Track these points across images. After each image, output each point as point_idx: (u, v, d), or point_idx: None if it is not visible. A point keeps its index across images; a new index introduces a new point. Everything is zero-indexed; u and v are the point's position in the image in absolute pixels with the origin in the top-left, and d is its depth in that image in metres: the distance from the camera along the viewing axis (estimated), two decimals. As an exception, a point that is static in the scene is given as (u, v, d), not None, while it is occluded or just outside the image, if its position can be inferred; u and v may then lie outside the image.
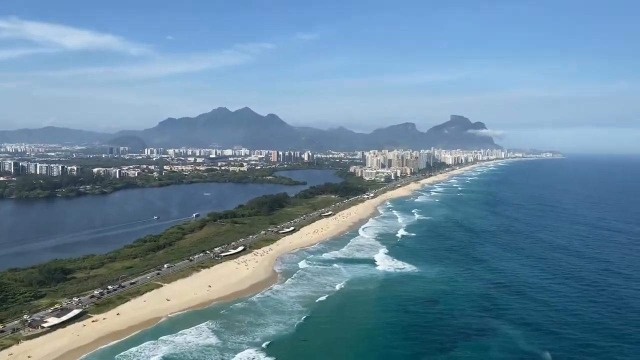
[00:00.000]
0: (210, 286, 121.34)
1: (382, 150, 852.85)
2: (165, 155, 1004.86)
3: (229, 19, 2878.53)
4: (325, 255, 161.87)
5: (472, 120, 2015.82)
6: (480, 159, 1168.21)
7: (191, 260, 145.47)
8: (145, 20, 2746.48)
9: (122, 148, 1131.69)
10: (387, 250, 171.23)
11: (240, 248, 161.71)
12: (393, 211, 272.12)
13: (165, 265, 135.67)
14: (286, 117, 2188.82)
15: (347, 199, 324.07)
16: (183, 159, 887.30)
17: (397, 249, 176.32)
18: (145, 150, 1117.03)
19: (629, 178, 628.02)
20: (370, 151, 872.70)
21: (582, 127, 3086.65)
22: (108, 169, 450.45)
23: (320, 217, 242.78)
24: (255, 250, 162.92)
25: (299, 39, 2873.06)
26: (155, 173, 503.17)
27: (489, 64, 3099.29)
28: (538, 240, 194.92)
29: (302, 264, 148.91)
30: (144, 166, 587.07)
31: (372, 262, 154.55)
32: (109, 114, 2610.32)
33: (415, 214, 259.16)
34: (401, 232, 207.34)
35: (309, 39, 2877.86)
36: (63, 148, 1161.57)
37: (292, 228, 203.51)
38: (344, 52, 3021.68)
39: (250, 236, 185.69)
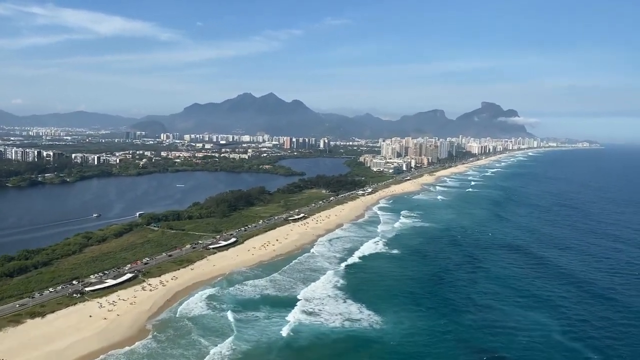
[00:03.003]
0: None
1: (405, 138, 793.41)
2: (179, 141, 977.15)
3: (259, 5, 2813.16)
4: (248, 289, 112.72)
5: (504, 108, 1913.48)
6: (511, 148, 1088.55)
7: (32, 299, 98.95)
8: (176, 5, 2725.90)
9: (138, 133, 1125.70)
10: (342, 281, 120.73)
11: (127, 276, 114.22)
12: (383, 214, 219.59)
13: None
14: (311, 103, 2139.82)
15: (339, 195, 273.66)
16: (194, 144, 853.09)
17: (358, 278, 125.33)
18: (161, 135, 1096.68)
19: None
20: (389, 139, 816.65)
21: (622, 116, 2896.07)
22: (86, 155, 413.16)
23: (286, 221, 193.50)
24: (150, 279, 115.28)
25: (327, 24, 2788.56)
26: (144, 160, 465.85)
27: (522, 52, 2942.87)
28: (559, 269, 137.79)
29: (197, 308, 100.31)
30: (141, 152, 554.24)
31: (308, 304, 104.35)
32: (138, 99, 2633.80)
33: (406, 219, 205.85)
34: (376, 248, 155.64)
35: (337, 24, 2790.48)
36: (87, 132, 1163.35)
37: (232, 240, 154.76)
38: (372, 38, 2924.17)
39: (164, 253, 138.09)
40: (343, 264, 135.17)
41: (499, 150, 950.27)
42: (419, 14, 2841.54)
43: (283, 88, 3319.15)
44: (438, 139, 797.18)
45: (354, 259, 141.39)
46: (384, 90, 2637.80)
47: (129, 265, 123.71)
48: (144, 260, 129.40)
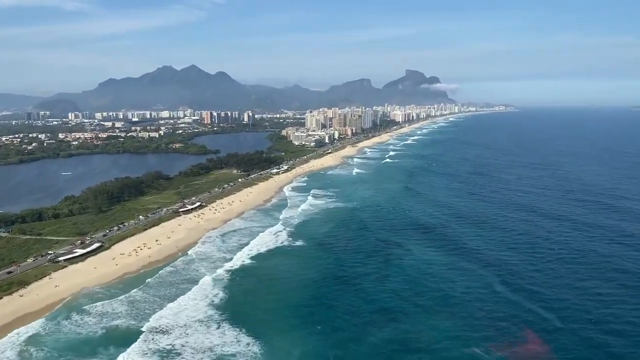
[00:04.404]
0: None
1: (332, 108, 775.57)
2: (88, 120, 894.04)
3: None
4: (91, 321, 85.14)
5: (427, 75, 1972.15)
6: (433, 114, 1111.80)
7: None
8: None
9: (42, 113, 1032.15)
10: (222, 294, 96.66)
11: None
12: (295, 195, 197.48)
13: None
14: (237, 75, 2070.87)
15: (250, 175, 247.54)
16: (104, 124, 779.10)
17: (244, 287, 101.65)
18: (69, 114, 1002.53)
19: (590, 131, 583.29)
20: (315, 110, 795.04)
21: (534, 79, 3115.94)
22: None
23: (176, 213, 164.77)
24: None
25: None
26: (34, 144, 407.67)
27: (443, 18, 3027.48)
28: (477, 253, 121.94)
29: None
30: (35, 134, 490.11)
31: (165, 338, 79.26)
32: (47, 77, 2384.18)
33: (318, 200, 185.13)
34: (277, 241, 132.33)
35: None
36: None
37: (95, 246, 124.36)
38: (299, 6, 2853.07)
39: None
40: (229, 268, 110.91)
41: (422, 117, 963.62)
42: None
43: (206, 59, 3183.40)
44: (365, 108, 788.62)
45: (244, 259, 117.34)
46: (312, 60, 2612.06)
47: None
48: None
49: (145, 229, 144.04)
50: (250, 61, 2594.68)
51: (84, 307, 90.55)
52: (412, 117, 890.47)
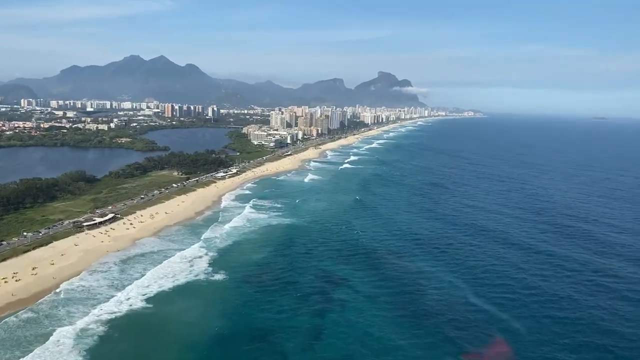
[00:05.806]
0: None
1: (302, 107, 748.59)
2: (40, 108, 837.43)
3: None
4: None
5: (399, 78, 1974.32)
6: (403, 117, 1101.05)
7: None
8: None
9: None
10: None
11: None
12: (236, 206, 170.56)
13: None
14: (208, 68, 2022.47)
15: (191, 178, 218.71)
16: (55, 113, 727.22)
17: (117, 346, 74.31)
18: (22, 101, 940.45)
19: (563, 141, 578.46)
20: (284, 108, 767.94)
21: (501, 87, 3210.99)
22: None
23: (79, 228, 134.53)
24: None
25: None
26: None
27: (417, 23, 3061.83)
28: (429, 306, 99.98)
29: None
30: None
31: None
32: (6, 61, 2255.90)
33: (259, 214, 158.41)
34: (191, 272, 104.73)
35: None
36: None
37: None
38: (274, 2, 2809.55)
39: None
40: (108, 316, 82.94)
41: (391, 119, 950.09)
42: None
43: (176, 51, 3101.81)
44: (336, 108, 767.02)
45: (135, 301, 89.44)
46: (286, 57, 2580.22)
47: None
48: None
49: (27, 251, 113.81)
50: (222, 55, 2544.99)
51: None
52: (382, 119, 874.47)
